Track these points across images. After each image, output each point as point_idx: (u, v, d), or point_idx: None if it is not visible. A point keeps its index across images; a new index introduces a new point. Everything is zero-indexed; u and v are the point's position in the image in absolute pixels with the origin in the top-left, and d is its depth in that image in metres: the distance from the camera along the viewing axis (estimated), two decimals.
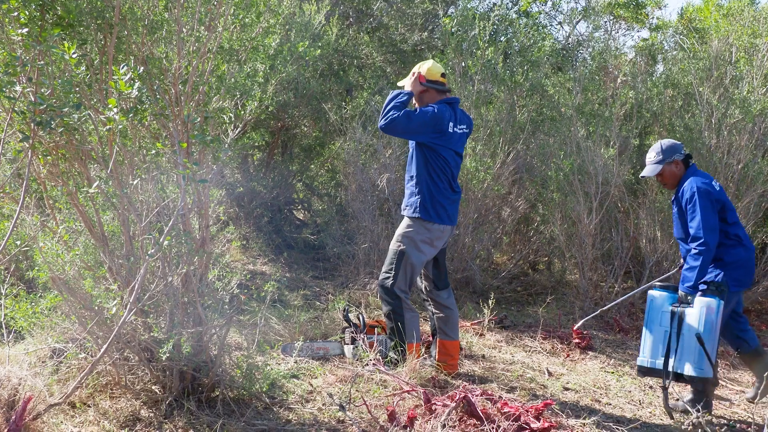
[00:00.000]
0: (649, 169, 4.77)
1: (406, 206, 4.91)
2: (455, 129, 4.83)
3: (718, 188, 4.67)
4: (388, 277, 4.85)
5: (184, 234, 3.54)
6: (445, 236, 4.93)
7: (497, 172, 7.38)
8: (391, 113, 4.65)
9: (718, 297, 4.29)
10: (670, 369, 4.34)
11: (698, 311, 4.28)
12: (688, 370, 4.30)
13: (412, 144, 4.91)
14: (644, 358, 4.52)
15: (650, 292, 4.56)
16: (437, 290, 5.04)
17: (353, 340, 5.06)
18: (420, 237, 4.82)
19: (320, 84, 8.58)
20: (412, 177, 4.89)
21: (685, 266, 4.53)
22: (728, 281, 4.54)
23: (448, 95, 4.97)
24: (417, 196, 4.83)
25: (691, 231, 4.49)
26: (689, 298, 4.38)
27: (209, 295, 3.87)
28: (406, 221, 4.88)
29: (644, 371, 4.51)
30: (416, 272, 4.89)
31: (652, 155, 4.78)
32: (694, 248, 4.45)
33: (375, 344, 4.82)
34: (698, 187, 4.53)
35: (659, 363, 4.38)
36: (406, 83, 4.92)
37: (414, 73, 4.91)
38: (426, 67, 4.91)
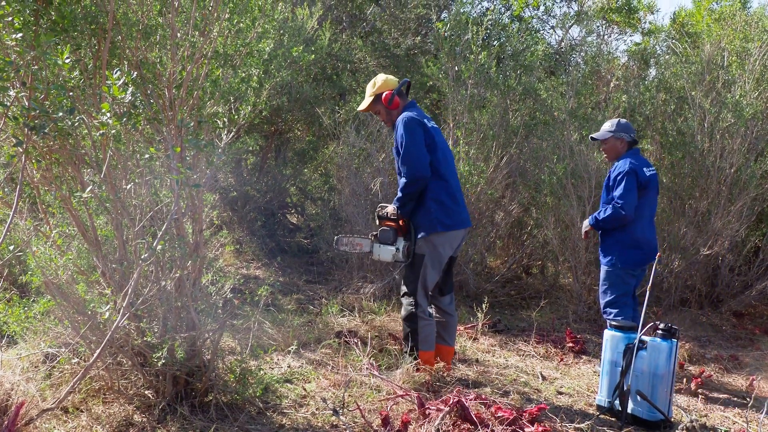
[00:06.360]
0: (600, 134, 5.45)
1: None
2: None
3: (648, 174, 5.28)
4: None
5: (177, 238, 3.54)
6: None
7: (490, 176, 7.40)
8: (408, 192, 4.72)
9: (671, 340, 4.32)
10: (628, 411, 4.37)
11: (649, 355, 4.30)
12: (640, 413, 4.35)
13: None
14: (602, 398, 4.54)
15: (606, 331, 4.59)
16: (441, 296, 5.04)
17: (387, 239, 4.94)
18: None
19: (314, 88, 8.60)
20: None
21: (601, 212, 5.30)
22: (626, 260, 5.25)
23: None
24: None
25: (615, 195, 5.19)
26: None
27: (203, 300, 3.87)
28: None
29: (603, 410, 4.53)
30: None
31: (607, 125, 5.45)
32: (615, 203, 5.17)
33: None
34: (630, 166, 5.19)
35: (617, 403, 4.41)
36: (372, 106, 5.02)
37: (372, 96, 4.98)
38: (382, 82, 4.99)
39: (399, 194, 4.75)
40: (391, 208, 4.85)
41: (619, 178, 5.19)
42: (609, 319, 5.21)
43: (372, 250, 4.92)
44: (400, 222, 4.84)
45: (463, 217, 4.88)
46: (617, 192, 5.18)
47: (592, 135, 5.53)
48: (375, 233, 4.92)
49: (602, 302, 5.35)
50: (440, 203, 4.76)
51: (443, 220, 4.74)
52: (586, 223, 5.50)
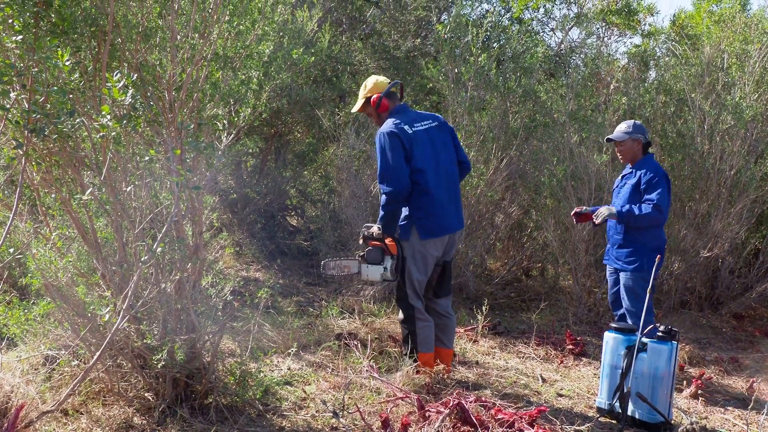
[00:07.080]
0: (618, 135, 5.39)
1: None
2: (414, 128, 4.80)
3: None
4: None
5: (177, 241, 3.53)
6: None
7: (490, 178, 7.39)
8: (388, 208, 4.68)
9: (670, 342, 4.32)
10: (628, 413, 4.35)
11: (650, 357, 4.30)
12: (640, 415, 4.35)
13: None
14: (602, 400, 4.55)
15: (606, 333, 4.59)
16: (436, 298, 5.03)
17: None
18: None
19: (313, 90, 8.59)
20: None
21: (637, 208, 5.16)
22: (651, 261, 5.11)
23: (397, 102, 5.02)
24: None
25: (654, 199, 5.12)
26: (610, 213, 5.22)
27: (202, 302, 3.86)
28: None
29: (603, 412, 4.53)
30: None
31: (623, 126, 5.41)
32: (656, 205, 5.10)
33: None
34: (663, 172, 5.27)
35: (617, 405, 4.40)
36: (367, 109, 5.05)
37: (363, 98, 5.00)
38: (372, 85, 4.98)
39: (381, 212, 4.72)
40: (375, 229, 4.80)
41: (654, 181, 5.18)
42: (643, 324, 5.11)
43: (360, 271, 4.89)
44: (387, 241, 4.80)
45: (446, 223, 4.81)
46: (655, 194, 5.13)
47: (609, 136, 5.46)
48: (362, 254, 4.88)
49: (635, 309, 5.19)
50: (423, 211, 4.74)
51: (425, 225, 4.74)
52: (611, 212, 5.21)
